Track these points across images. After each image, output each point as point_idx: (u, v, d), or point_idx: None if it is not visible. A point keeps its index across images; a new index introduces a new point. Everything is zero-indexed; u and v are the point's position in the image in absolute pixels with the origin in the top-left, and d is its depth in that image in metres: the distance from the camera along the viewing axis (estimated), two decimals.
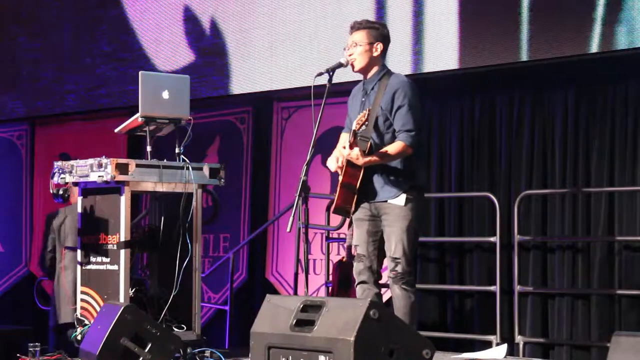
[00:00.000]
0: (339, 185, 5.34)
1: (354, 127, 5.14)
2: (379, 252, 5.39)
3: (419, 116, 5.32)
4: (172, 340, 5.34)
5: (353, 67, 5.41)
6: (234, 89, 8.28)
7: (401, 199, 5.28)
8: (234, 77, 8.26)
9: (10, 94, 9.81)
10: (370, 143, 5.21)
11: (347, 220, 5.77)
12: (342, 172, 5.30)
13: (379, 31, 5.43)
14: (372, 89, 5.39)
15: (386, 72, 5.42)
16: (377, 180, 5.31)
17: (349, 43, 5.42)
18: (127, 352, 5.14)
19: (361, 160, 5.17)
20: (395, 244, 5.25)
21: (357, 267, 5.41)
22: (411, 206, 5.29)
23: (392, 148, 5.25)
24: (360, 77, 5.54)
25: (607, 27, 6.38)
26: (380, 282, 5.50)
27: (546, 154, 7.01)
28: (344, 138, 5.57)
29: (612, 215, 6.73)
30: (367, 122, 5.12)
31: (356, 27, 5.42)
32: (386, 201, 5.29)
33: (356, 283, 5.44)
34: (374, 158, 5.23)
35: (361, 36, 5.39)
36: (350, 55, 5.39)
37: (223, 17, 8.34)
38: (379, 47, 5.40)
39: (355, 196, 5.31)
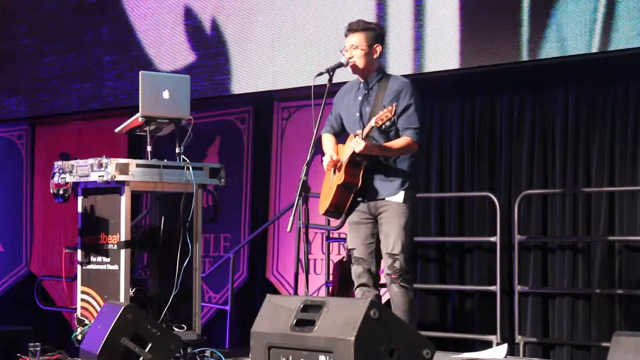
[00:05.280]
0: (334, 186, 5.33)
1: (372, 124, 5.14)
2: (376, 253, 5.39)
3: (423, 115, 5.37)
4: (172, 340, 5.34)
5: (353, 69, 5.41)
6: (234, 89, 8.28)
7: (399, 196, 5.29)
8: (234, 77, 8.26)
9: (10, 94, 9.81)
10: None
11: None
12: (340, 171, 5.30)
13: (376, 32, 5.43)
14: (372, 88, 5.40)
15: (384, 73, 5.45)
16: (377, 179, 5.33)
17: (346, 45, 5.41)
18: (127, 352, 5.14)
19: (374, 150, 5.20)
20: (393, 241, 5.26)
21: (356, 270, 5.41)
22: (409, 204, 5.31)
23: (399, 142, 5.27)
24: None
25: (607, 27, 6.38)
26: (379, 281, 5.52)
27: (546, 154, 7.01)
28: (329, 140, 5.56)
29: (613, 215, 6.73)
30: (392, 118, 5.12)
31: (354, 29, 5.41)
32: (384, 199, 5.30)
33: (355, 286, 5.44)
34: (382, 148, 5.24)
35: (360, 38, 5.38)
36: (350, 58, 5.39)
37: (223, 17, 8.34)
38: (378, 49, 5.42)
39: (352, 195, 5.32)
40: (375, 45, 5.39)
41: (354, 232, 5.42)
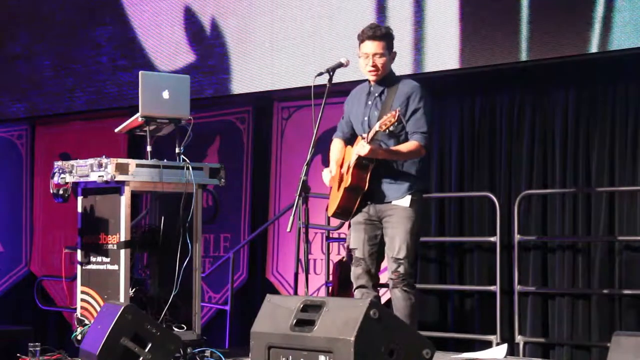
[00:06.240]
0: (342, 190, 5.33)
1: (376, 128, 5.13)
2: (378, 255, 5.39)
3: (431, 120, 5.38)
4: (172, 340, 5.34)
5: (374, 75, 5.36)
6: (234, 89, 8.28)
7: (406, 200, 5.29)
8: (234, 77, 8.25)
9: (10, 94, 9.81)
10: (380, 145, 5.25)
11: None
12: (347, 174, 5.29)
13: (393, 38, 5.43)
14: (382, 92, 5.38)
15: (395, 77, 5.44)
16: (385, 182, 5.32)
17: (367, 52, 5.35)
18: (127, 352, 5.14)
19: (379, 153, 5.20)
20: (399, 245, 5.26)
21: (355, 271, 5.40)
22: (415, 208, 5.30)
23: (406, 146, 5.27)
24: (360, 77, 5.55)
25: (607, 27, 6.38)
26: (379, 283, 5.51)
27: (546, 154, 7.01)
28: (335, 147, 5.56)
29: (613, 215, 6.73)
30: (396, 123, 5.10)
31: (377, 35, 5.34)
32: (391, 202, 5.30)
33: (354, 287, 5.43)
34: (389, 151, 5.24)
35: (382, 46, 5.34)
36: (373, 65, 5.34)
37: (223, 16, 8.34)
38: (395, 55, 5.43)
39: (359, 198, 5.31)
40: (393, 51, 5.41)
41: (357, 232, 5.41)
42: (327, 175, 5.43)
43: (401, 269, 5.26)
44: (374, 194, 5.32)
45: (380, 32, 5.37)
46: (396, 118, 5.06)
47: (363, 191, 5.29)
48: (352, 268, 5.43)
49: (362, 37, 5.37)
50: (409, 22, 7.22)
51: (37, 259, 9.93)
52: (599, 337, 6.65)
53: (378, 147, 5.22)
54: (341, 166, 5.45)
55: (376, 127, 5.14)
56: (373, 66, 5.34)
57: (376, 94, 5.39)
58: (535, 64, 6.78)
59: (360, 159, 5.23)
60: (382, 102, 5.34)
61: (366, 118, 5.38)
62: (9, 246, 10.14)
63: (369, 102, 5.40)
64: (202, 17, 8.47)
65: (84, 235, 6.15)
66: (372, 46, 5.34)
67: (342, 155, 5.48)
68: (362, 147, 5.17)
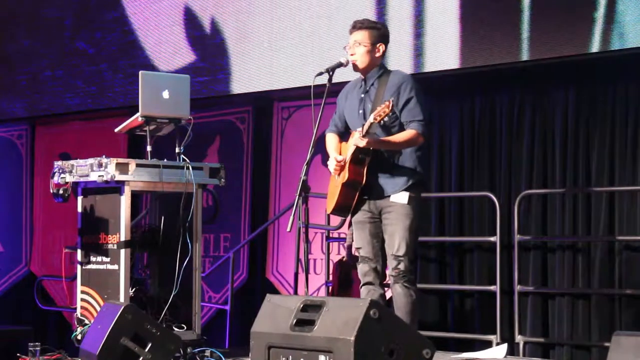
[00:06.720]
0: (340, 185, 5.33)
1: (371, 120, 5.14)
2: (383, 252, 5.39)
3: (426, 107, 5.36)
4: (172, 340, 5.34)
5: (354, 66, 5.42)
6: (234, 89, 8.28)
7: (404, 197, 5.28)
8: (234, 77, 8.26)
9: (10, 94, 9.81)
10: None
11: (348, 219, 5.79)
12: (344, 170, 5.29)
13: (380, 32, 5.45)
14: (372, 85, 5.41)
15: (385, 70, 5.46)
16: (381, 176, 5.32)
17: (350, 42, 5.42)
18: (127, 352, 5.14)
19: (376, 144, 5.19)
20: (398, 242, 5.27)
21: (363, 268, 5.41)
22: (414, 205, 5.31)
23: (403, 135, 5.27)
24: (358, 75, 5.55)
25: (607, 27, 6.38)
26: (385, 280, 5.52)
27: (546, 154, 7.01)
28: (331, 140, 5.57)
29: (613, 215, 6.73)
30: (390, 113, 5.10)
31: (358, 26, 5.43)
32: (389, 196, 5.30)
33: (361, 284, 5.44)
34: (384, 142, 5.24)
35: (363, 36, 5.40)
36: (352, 54, 5.40)
37: (223, 17, 8.35)
38: (381, 48, 5.42)
39: (358, 193, 5.31)
40: (378, 44, 5.40)
41: (360, 232, 5.42)
42: (333, 162, 5.40)
43: (401, 266, 5.27)
44: (372, 188, 5.32)
45: (362, 23, 5.44)
46: (390, 108, 5.07)
47: (361, 185, 5.29)
48: (359, 266, 5.44)
49: (350, 29, 5.47)
50: (408, 23, 7.22)
51: (37, 259, 9.93)
52: (599, 337, 6.65)
53: (374, 139, 5.23)
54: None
55: (370, 119, 5.15)
56: (351, 55, 5.38)
57: (367, 87, 5.42)
58: (534, 63, 6.78)
59: (356, 153, 5.24)
60: (374, 94, 5.35)
61: (361, 111, 5.40)
62: (9, 246, 10.14)
63: (362, 95, 5.43)
64: (202, 17, 8.48)
65: (84, 235, 6.15)
66: (353, 35, 5.43)
67: (339, 151, 5.49)
68: (359, 140, 5.19)
